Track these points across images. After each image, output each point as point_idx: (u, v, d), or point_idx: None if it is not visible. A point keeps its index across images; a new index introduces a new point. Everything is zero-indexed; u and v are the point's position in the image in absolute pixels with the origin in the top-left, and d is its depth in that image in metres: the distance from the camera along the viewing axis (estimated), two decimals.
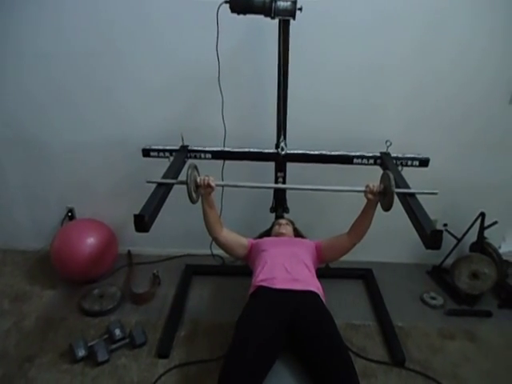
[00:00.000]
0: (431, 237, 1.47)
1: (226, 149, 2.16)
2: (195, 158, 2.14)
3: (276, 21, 1.76)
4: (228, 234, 1.91)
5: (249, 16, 1.75)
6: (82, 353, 1.87)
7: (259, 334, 1.45)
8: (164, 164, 1.99)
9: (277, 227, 2.09)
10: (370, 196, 1.71)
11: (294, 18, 1.73)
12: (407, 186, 1.79)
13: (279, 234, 2.04)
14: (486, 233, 2.34)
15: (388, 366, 1.91)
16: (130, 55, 2.16)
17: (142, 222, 1.55)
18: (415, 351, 1.99)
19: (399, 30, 2.06)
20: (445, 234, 2.43)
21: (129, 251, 2.69)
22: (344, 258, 1.93)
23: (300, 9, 1.71)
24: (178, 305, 2.24)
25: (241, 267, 2.38)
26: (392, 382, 1.84)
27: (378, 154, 2.11)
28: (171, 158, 2.09)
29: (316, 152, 2.11)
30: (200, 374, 1.84)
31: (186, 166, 1.75)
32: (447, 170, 2.35)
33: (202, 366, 1.87)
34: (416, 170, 2.11)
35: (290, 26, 1.78)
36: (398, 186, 1.69)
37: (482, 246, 2.34)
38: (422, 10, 2.01)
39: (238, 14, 1.74)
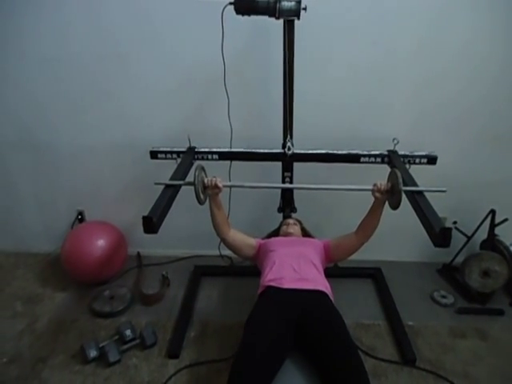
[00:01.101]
0: (440, 235, 1.46)
1: (233, 150, 2.17)
2: (202, 159, 2.15)
3: (281, 21, 1.76)
4: (236, 235, 1.92)
5: (253, 17, 1.76)
6: (93, 354, 1.89)
7: (268, 334, 1.46)
8: (171, 166, 2.01)
9: (285, 227, 2.09)
10: (377, 194, 1.70)
11: (298, 18, 1.74)
12: (415, 184, 1.78)
13: (287, 234, 2.04)
14: (497, 230, 2.32)
15: (398, 365, 1.90)
16: (135, 58, 2.18)
17: (151, 224, 1.56)
18: (426, 350, 1.98)
19: (403, 28, 2.05)
20: (455, 231, 2.42)
21: (138, 253, 2.71)
22: (353, 256, 1.93)
23: (304, 8, 1.72)
24: (187, 305, 2.25)
25: (249, 267, 2.38)
26: (403, 381, 1.83)
27: (386, 153, 2.10)
28: (179, 160, 2.11)
29: (323, 151, 2.11)
30: (210, 374, 1.85)
31: (194, 168, 1.76)
32: (456, 167, 2.33)
33: (211, 366, 1.88)
34: (424, 167, 2.10)
35: (295, 26, 1.78)
36: (405, 184, 1.69)
37: (492, 243, 2.31)
38: (425, 6, 2.00)
39: (243, 15, 1.75)
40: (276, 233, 2.15)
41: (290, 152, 2.07)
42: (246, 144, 2.16)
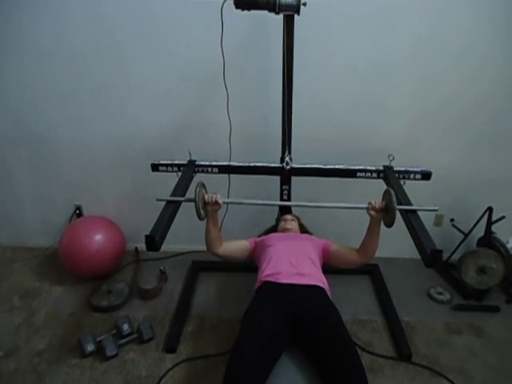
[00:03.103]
0: (431, 256, 1.48)
1: (233, 163, 2.18)
2: (202, 172, 2.16)
3: (280, 16, 1.75)
4: (227, 246, 1.91)
5: (253, 12, 1.75)
6: (90, 348, 1.89)
7: (264, 329, 1.46)
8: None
9: (283, 223, 2.10)
10: (372, 213, 1.71)
11: (298, 14, 1.72)
12: (409, 202, 1.79)
13: (285, 230, 2.04)
14: (494, 227, 2.32)
15: (394, 360, 1.91)
16: (133, 52, 2.17)
17: (153, 242, 1.58)
18: (422, 346, 1.99)
19: (402, 28, 2.04)
20: (452, 228, 2.44)
21: (136, 248, 2.71)
22: None
23: (304, 4, 1.71)
24: (184, 300, 2.26)
25: (247, 263, 2.38)
26: (398, 376, 1.84)
27: (381, 168, 2.11)
28: (179, 171, 2.12)
29: (320, 166, 2.12)
30: (207, 368, 1.86)
31: (194, 183, 1.76)
32: (454, 165, 2.34)
33: (209, 361, 1.89)
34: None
35: (295, 22, 1.77)
36: (399, 203, 1.70)
37: (489, 240, 2.32)
38: (424, 6, 1.99)
39: (243, 9, 1.73)
40: (274, 229, 2.16)
41: (288, 167, 2.08)
42: (245, 140, 2.15)
